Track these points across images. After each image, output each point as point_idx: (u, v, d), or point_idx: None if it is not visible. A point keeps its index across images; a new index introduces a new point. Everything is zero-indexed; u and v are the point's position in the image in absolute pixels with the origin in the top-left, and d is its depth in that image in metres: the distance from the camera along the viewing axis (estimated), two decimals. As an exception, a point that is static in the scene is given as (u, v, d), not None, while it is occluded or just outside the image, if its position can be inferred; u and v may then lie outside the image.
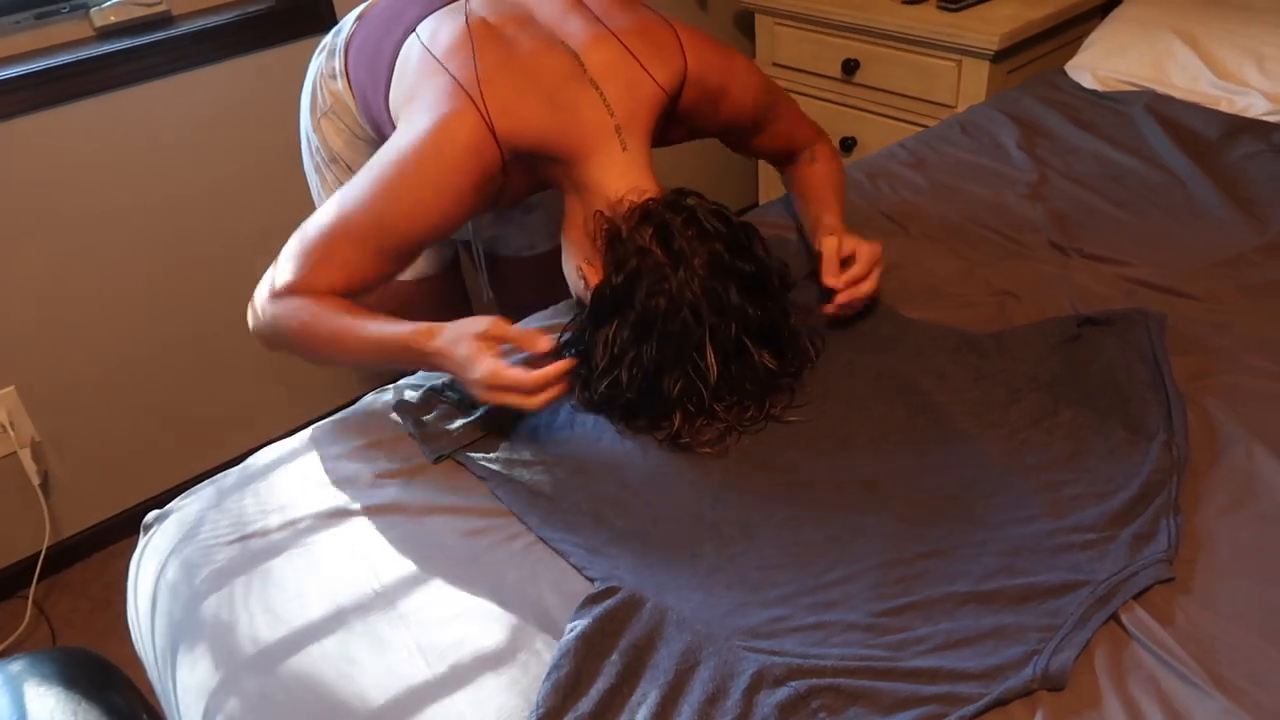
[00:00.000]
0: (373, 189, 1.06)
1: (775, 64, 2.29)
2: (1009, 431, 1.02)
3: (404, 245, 1.09)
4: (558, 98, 1.09)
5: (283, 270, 1.08)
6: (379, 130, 1.26)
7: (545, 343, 1.01)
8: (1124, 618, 0.82)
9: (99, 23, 1.70)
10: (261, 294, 1.09)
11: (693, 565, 0.92)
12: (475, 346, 0.99)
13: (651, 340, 1.01)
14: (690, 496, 0.99)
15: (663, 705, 0.78)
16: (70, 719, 0.98)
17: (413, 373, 1.21)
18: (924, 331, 1.18)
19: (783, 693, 0.77)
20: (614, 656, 0.82)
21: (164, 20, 1.75)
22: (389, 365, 1.08)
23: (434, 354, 1.02)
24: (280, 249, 1.11)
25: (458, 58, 1.10)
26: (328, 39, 1.36)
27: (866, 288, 1.16)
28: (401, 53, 1.18)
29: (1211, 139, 1.60)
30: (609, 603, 0.86)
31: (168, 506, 1.09)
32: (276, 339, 1.10)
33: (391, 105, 1.18)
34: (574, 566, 0.94)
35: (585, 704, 0.78)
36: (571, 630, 0.84)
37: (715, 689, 0.79)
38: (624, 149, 1.10)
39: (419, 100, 1.11)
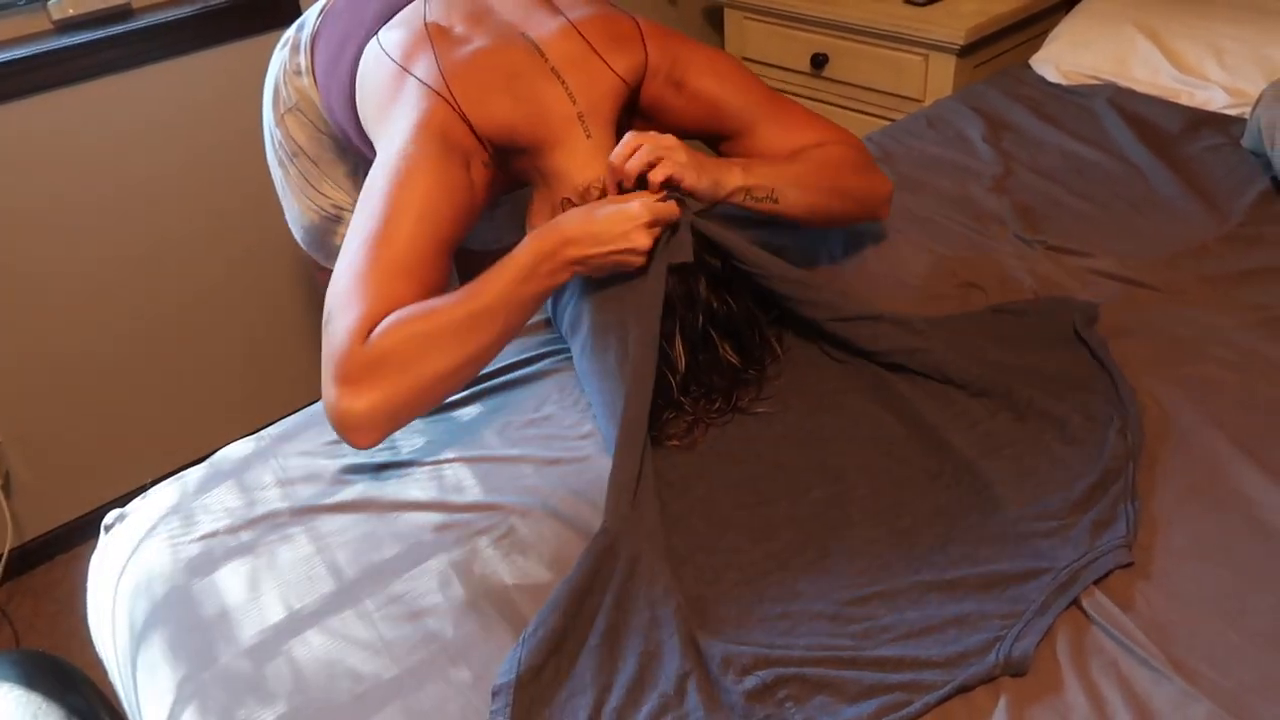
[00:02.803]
0: (380, 213, 1.00)
1: (745, 58, 2.29)
2: (971, 423, 1.03)
3: (432, 247, 1.01)
4: (520, 91, 1.09)
5: (337, 334, 0.95)
6: (342, 129, 1.25)
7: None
8: (1085, 603, 0.83)
9: (57, 15, 1.66)
10: (334, 374, 0.94)
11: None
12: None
13: None
14: (655, 490, 0.99)
15: (631, 692, 0.78)
16: (30, 721, 0.97)
17: None
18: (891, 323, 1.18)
19: (749, 682, 0.77)
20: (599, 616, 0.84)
21: (123, 13, 1.73)
22: (511, 319, 0.97)
23: (564, 235, 0.96)
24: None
25: (421, 61, 1.10)
26: (290, 33, 1.35)
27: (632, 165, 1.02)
28: (363, 59, 1.17)
29: (1173, 132, 1.62)
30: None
31: (127, 506, 1.08)
32: (389, 397, 0.93)
33: (362, 117, 1.17)
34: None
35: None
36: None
37: (679, 676, 0.79)
38: (588, 136, 1.10)
39: (393, 114, 1.09)
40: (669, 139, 1.03)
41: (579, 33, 1.13)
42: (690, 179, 1.02)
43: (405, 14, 1.18)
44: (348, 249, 1.00)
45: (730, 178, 1.07)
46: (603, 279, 1.02)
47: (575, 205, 1.07)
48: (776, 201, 1.12)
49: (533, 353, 1.21)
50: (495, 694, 0.79)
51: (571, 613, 0.84)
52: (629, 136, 1.04)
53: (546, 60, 1.11)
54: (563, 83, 1.10)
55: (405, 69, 1.10)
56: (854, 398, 1.09)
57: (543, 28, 1.13)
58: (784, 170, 1.14)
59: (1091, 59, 1.83)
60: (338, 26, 1.24)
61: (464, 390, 1.15)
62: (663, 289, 0.98)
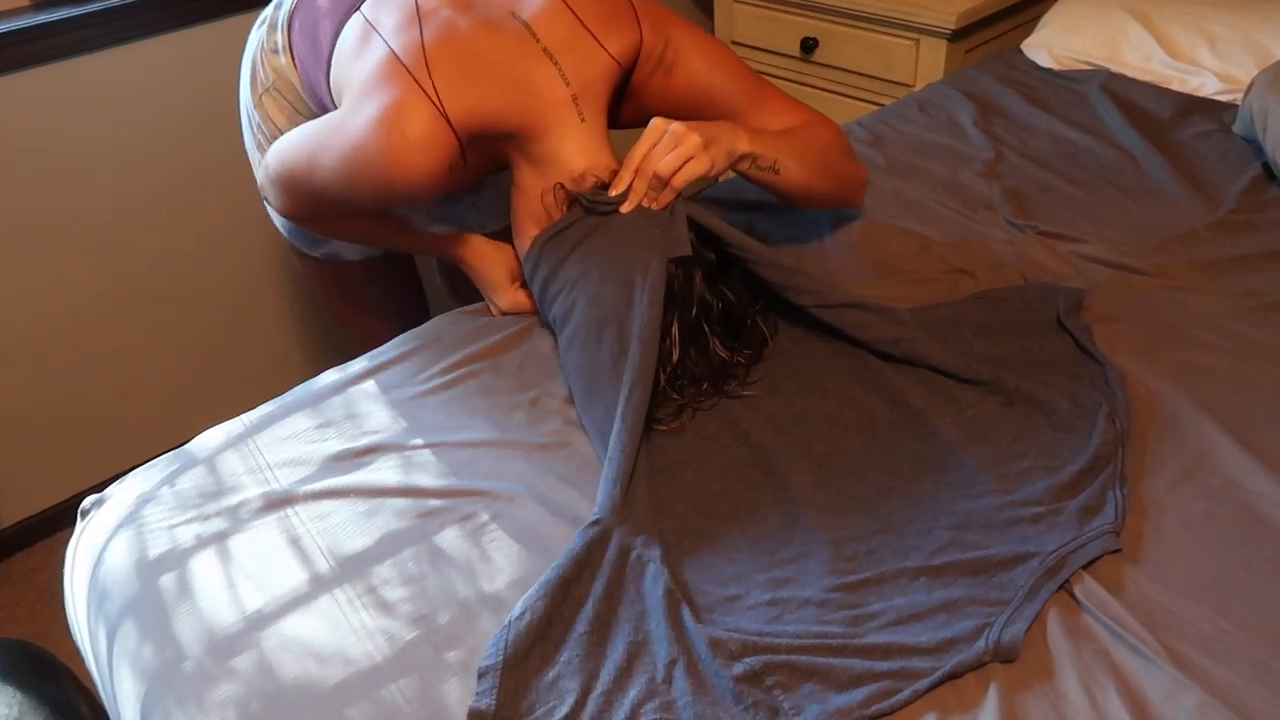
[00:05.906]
0: (334, 170, 1.08)
1: (734, 42, 2.27)
2: (958, 408, 1.02)
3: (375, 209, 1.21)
4: (508, 76, 1.06)
5: (274, 201, 1.21)
6: (322, 107, 1.23)
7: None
8: (1075, 589, 0.83)
9: (34, -8, 1.64)
10: (269, 198, 1.22)
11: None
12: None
13: None
14: (645, 475, 0.98)
15: (618, 678, 0.77)
16: (5, 710, 0.95)
17: None
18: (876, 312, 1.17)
19: (738, 668, 0.77)
20: (588, 605, 0.83)
21: (103, -10, 1.70)
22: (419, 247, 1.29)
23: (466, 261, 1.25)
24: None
25: (404, 40, 1.07)
26: (268, 11, 1.32)
27: (650, 165, 1.02)
28: (344, 32, 1.15)
29: (1164, 118, 1.61)
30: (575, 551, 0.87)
31: (105, 491, 1.06)
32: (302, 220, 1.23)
33: (333, 83, 1.15)
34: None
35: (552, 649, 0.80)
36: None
37: (667, 663, 0.78)
38: (582, 120, 1.08)
39: (368, 85, 1.07)
40: (680, 128, 1.03)
41: (572, 11, 1.11)
42: (708, 170, 1.03)
43: None
44: (300, 153, 1.12)
45: (739, 143, 1.07)
46: (598, 272, 1.01)
47: (569, 191, 1.05)
48: (778, 173, 1.12)
49: (519, 334, 1.20)
50: (481, 676, 0.78)
51: (558, 598, 0.83)
52: (651, 128, 1.04)
53: (538, 40, 1.08)
54: (555, 64, 1.08)
55: (389, 45, 1.07)
56: (841, 381, 1.08)
57: (534, 6, 1.11)
58: (783, 143, 1.14)
59: (1083, 44, 1.82)
60: (315, 3, 1.22)
61: (450, 374, 1.14)
62: (664, 285, 0.97)
